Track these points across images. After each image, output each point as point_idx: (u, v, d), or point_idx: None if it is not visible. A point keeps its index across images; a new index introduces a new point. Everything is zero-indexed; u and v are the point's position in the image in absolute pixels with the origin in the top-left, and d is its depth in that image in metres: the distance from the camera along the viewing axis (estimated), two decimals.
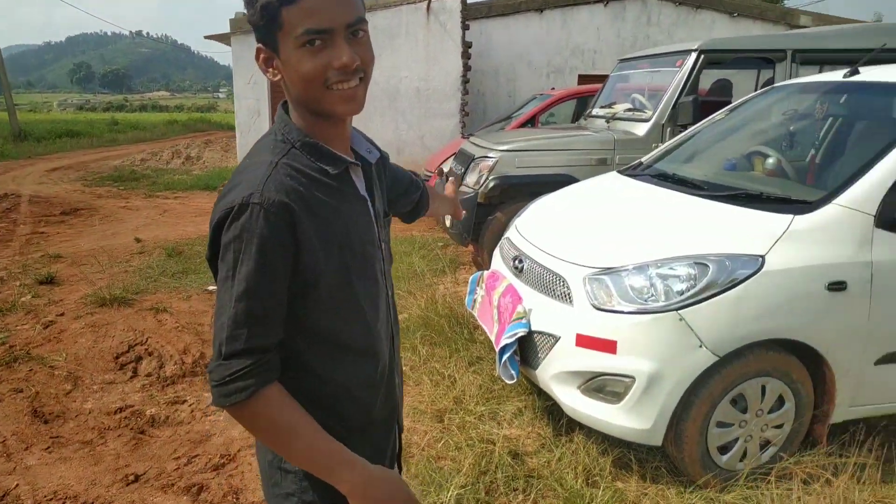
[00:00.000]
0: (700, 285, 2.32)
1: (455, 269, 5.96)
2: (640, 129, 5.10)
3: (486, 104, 13.14)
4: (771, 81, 5.28)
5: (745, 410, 2.44)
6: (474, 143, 5.76)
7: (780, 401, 2.46)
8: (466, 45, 11.14)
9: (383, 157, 1.35)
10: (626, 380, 2.39)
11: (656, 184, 3.12)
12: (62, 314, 4.73)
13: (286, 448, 1.04)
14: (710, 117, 3.83)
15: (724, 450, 2.47)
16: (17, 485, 2.74)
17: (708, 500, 2.41)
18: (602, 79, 6.74)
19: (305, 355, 1.11)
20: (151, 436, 3.13)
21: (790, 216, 2.42)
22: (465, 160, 5.57)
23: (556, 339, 2.61)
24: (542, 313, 2.73)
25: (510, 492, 2.54)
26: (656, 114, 5.05)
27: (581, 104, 8.37)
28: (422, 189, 1.63)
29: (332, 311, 1.10)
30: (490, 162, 5.11)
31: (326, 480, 1.04)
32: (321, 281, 1.05)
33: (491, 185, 5.06)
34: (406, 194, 1.59)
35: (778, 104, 3.66)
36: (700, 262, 2.36)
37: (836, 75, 3.26)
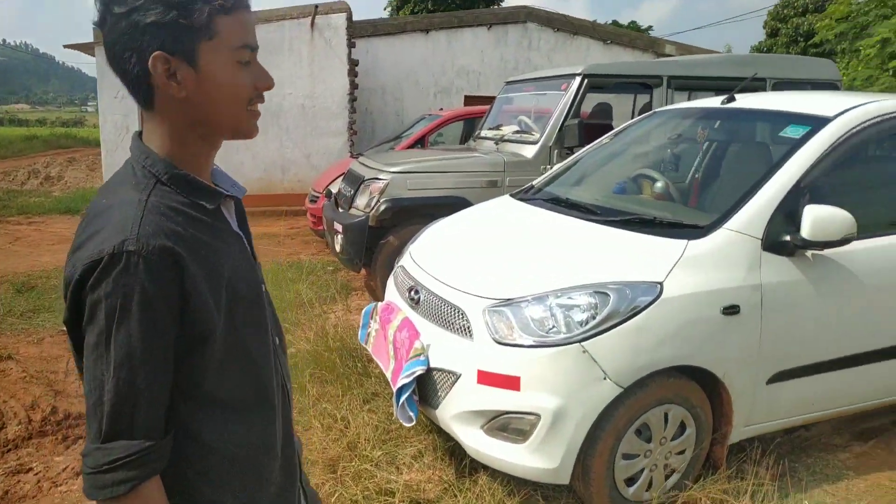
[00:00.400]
0: (601, 315, 2.25)
1: (347, 295, 5.68)
2: (529, 152, 5.12)
3: (375, 123, 12.99)
4: (648, 106, 5.51)
5: (649, 440, 2.39)
6: (364, 164, 5.55)
7: (682, 427, 2.44)
8: (353, 63, 10.93)
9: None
10: (531, 417, 2.27)
11: (549, 208, 3.07)
12: None
13: None
14: (597, 140, 3.88)
15: (630, 481, 2.41)
16: None
17: None
18: (487, 100, 6.80)
19: (190, 421, 0.95)
20: None
21: (684, 241, 2.42)
22: (355, 181, 5.34)
23: (457, 376, 2.45)
24: (441, 349, 2.56)
25: None
26: (544, 136, 5.10)
27: (469, 125, 8.41)
28: None
29: (222, 367, 0.96)
30: (381, 184, 4.92)
31: None
32: (213, 335, 0.92)
33: (382, 207, 4.86)
34: None
35: (660, 128, 3.76)
36: (600, 291, 2.30)
37: (715, 101, 3.38)
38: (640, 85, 5.53)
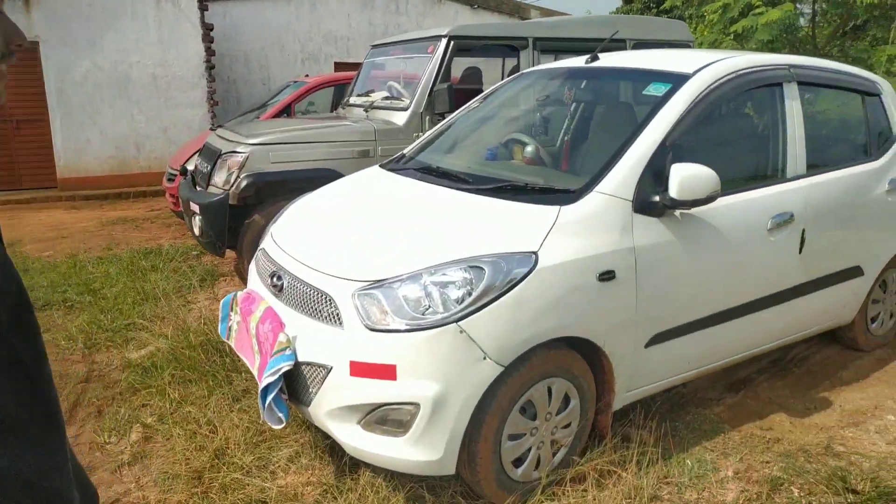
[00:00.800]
0: (477, 291, 2.11)
1: (213, 282, 5.23)
2: (400, 119, 4.89)
3: (240, 92, 12.15)
4: (516, 69, 5.45)
5: (534, 417, 2.31)
6: (221, 137, 5.06)
7: (566, 400, 2.38)
8: (207, 28, 10.04)
9: None
10: (410, 408, 2.10)
11: (420, 178, 2.88)
12: None
13: None
14: (467, 105, 3.72)
15: (518, 462, 2.32)
16: None
17: None
18: (358, 66, 6.46)
19: None
20: None
21: (557, 207, 2.32)
22: (212, 156, 4.85)
23: (328, 369, 2.23)
24: (309, 340, 2.32)
25: None
26: (413, 102, 4.88)
27: (339, 92, 8.00)
28: None
29: None
30: (240, 158, 4.49)
31: None
32: None
33: (244, 184, 4.44)
34: None
35: (527, 90, 3.67)
36: (475, 266, 2.15)
37: (580, 61, 3.32)
38: (507, 47, 5.43)
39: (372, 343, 2.13)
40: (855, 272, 3.22)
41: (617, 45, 5.33)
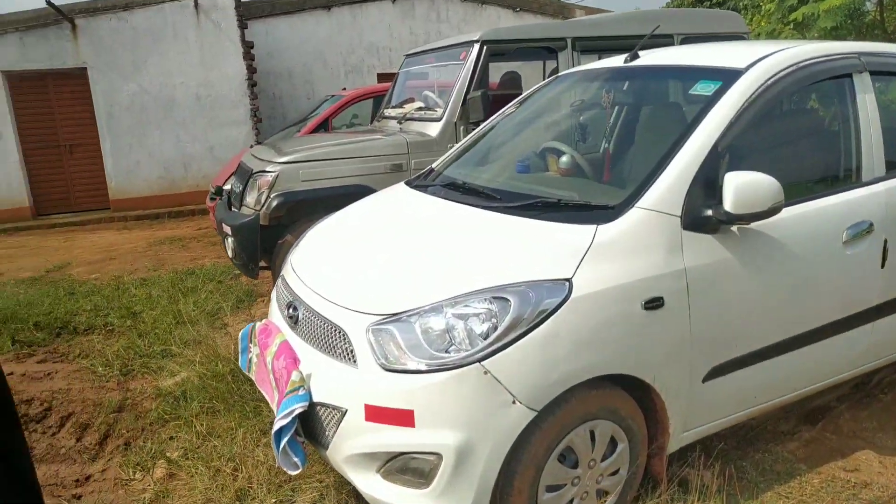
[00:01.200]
0: (503, 326, 1.87)
1: (251, 304, 5.15)
2: (433, 130, 4.69)
3: (285, 108, 12.29)
4: (556, 72, 5.18)
5: (575, 465, 2.04)
6: (254, 156, 4.99)
7: (613, 443, 2.11)
8: (248, 46, 10.14)
9: None
10: (432, 458, 1.88)
11: (445, 196, 2.66)
12: None
13: None
14: (499, 112, 3.49)
15: None
16: None
17: None
18: None
19: None
20: None
21: (593, 227, 2.06)
22: (244, 176, 4.78)
23: (343, 412, 2.03)
24: (324, 378, 2.13)
25: None
26: (447, 112, 4.67)
27: (378, 104, 7.91)
28: None
29: None
30: (269, 177, 4.38)
31: None
32: None
33: (274, 204, 4.34)
34: None
35: (564, 94, 3.40)
36: (499, 297, 1.91)
37: (618, 60, 3.04)
38: (545, 49, 5.16)
39: (387, 384, 1.92)
40: None
41: (663, 41, 5.01)
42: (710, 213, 2.09)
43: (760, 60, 2.44)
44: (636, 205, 2.10)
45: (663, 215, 2.08)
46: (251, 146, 8.26)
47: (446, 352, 1.90)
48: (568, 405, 1.95)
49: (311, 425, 2.19)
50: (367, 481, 2.02)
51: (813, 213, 2.35)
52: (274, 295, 2.83)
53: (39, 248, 7.92)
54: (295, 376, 2.18)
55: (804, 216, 2.31)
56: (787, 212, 2.17)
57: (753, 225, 2.15)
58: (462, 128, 4.66)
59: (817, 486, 2.41)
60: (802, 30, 8.96)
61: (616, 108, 3.36)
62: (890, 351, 2.75)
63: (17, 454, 0.82)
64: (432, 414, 1.86)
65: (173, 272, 6.10)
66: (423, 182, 3.04)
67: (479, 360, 1.84)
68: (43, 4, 8.75)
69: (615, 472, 2.14)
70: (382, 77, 12.52)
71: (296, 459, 2.17)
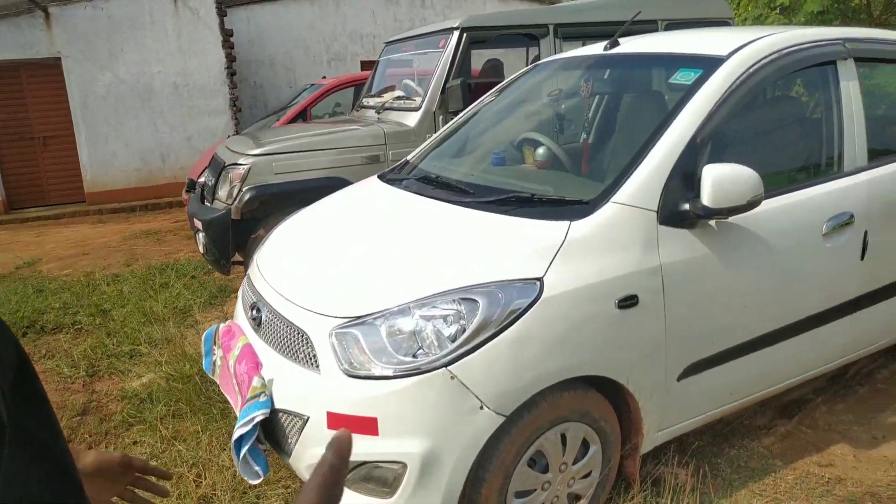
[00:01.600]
0: (471, 328, 1.78)
1: (225, 299, 5.02)
2: (411, 120, 4.58)
3: (267, 96, 12.06)
4: (538, 59, 5.06)
5: (546, 469, 1.97)
6: (228, 148, 4.85)
7: (585, 446, 2.03)
8: (227, 34, 9.91)
9: None
10: (396, 466, 1.79)
11: (417, 191, 2.55)
12: None
13: None
14: (476, 102, 3.38)
15: None
16: None
17: None
18: None
19: None
20: None
21: (566, 223, 1.96)
22: (217, 168, 4.64)
23: (305, 419, 1.93)
24: (286, 384, 2.04)
25: None
26: (426, 101, 4.55)
27: (360, 92, 7.75)
28: None
29: None
30: (241, 170, 4.25)
31: None
32: None
33: (246, 197, 4.21)
34: None
35: (543, 83, 3.30)
36: (467, 298, 1.82)
37: (598, 48, 2.93)
38: (527, 36, 5.05)
39: (350, 391, 1.83)
40: None
41: (647, 27, 4.90)
42: (687, 207, 2.01)
43: (742, 48, 2.35)
44: (611, 199, 2.01)
45: (639, 210, 2.00)
46: (228, 136, 8.10)
47: (413, 356, 1.81)
48: (538, 409, 1.86)
49: (274, 431, 2.09)
50: None
51: (793, 205, 2.27)
52: (240, 294, 2.73)
53: (10, 244, 7.72)
54: (256, 382, 2.08)
55: (784, 209, 2.23)
56: (766, 204, 2.09)
57: (732, 218, 2.07)
58: (441, 117, 4.55)
59: (791, 482, 2.36)
60: (789, 14, 8.90)
61: (596, 97, 3.26)
62: (868, 343, 2.70)
63: (61, 453, 0.72)
64: (396, 421, 1.77)
65: (146, 268, 5.95)
66: (397, 175, 2.94)
67: (446, 365, 1.75)
68: None
69: (587, 475, 2.07)
70: (366, 65, 12.32)
71: (257, 468, 2.07)
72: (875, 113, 2.80)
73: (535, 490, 1.96)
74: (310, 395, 1.93)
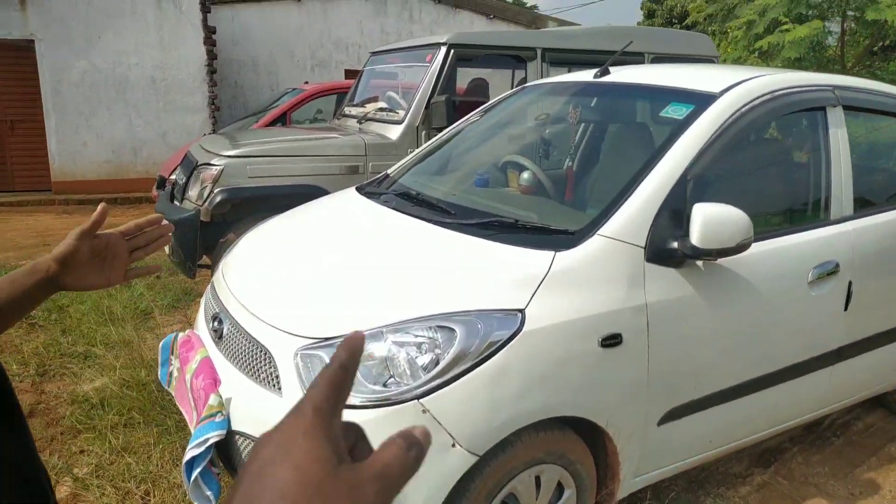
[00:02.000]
0: (446, 360, 1.68)
1: (189, 303, 4.83)
2: (394, 133, 4.49)
3: (247, 97, 11.88)
4: (524, 81, 5.04)
5: None
6: (202, 147, 4.69)
7: (559, 489, 1.94)
8: (209, 31, 9.74)
9: None
10: None
11: (396, 207, 2.46)
12: None
13: None
14: (462, 120, 3.31)
15: None
16: None
17: None
18: None
19: None
20: None
21: (551, 253, 1.89)
22: (189, 167, 4.48)
23: None
24: (245, 404, 1.91)
25: None
26: (409, 115, 4.47)
27: (342, 100, 7.65)
28: None
29: None
30: (214, 171, 4.10)
31: None
32: None
33: (217, 199, 4.06)
34: None
35: (530, 106, 3.25)
36: (444, 326, 1.72)
37: (587, 75, 2.89)
38: (514, 58, 5.02)
39: None
40: None
41: (634, 58, 4.92)
42: (675, 245, 1.95)
43: (735, 86, 2.32)
44: (598, 232, 1.94)
45: (626, 245, 1.93)
46: (204, 135, 7.91)
47: (383, 385, 1.71)
48: (513, 449, 1.77)
49: (230, 453, 1.96)
50: None
51: (780, 250, 2.23)
52: (202, 303, 2.58)
53: None
54: (213, 400, 1.95)
55: (772, 253, 2.19)
56: (754, 247, 2.04)
57: (720, 260, 2.02)
58: (424, 133, 4.47)
59: None
60: (767, 59, 9.08)
61: (582, 124, 3.22)
62: (847, 395, 2.67)
63: (31, 464, 0.79)
64: None
65: None
66: (376, 189, 2.84)
67: (418, 398, 1.65)
68: None
69: None
70: (350, 73, 12.25)
71: (208, 493, 1.93)
72: (860, 163, 2.81)
73: None
74: (270, 418, 1.79)
